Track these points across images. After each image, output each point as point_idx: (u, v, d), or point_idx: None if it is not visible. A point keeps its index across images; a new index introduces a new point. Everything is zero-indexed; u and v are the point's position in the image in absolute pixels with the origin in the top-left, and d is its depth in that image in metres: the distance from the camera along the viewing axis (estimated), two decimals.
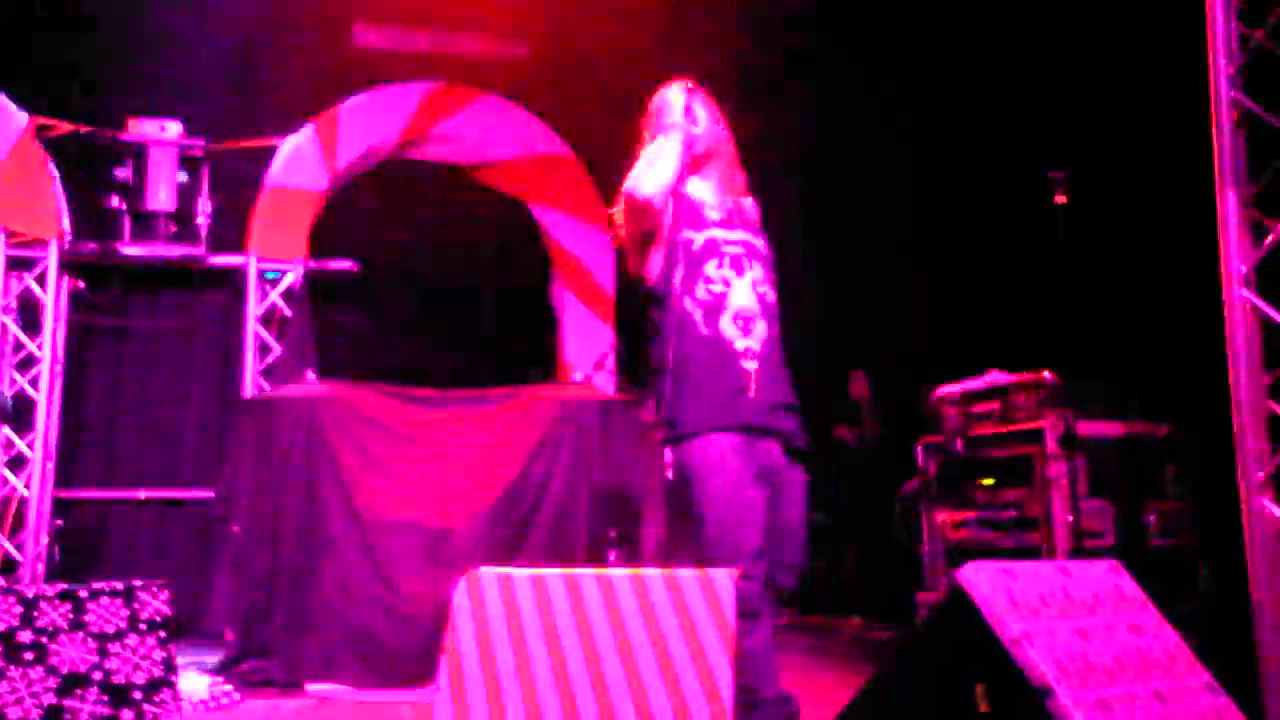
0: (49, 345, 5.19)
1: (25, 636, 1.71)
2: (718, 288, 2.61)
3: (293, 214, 5.43)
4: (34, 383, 5.15)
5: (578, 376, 4.89)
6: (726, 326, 2.59)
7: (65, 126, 5.14)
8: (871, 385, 5.63)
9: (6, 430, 4.99)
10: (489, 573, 2.14)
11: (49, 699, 1.66)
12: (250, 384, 5.34)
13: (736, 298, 2.60)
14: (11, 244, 5.10)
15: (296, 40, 5.41)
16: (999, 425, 4.19)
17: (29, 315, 5.22)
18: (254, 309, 5.40)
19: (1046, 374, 4.01)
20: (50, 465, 5.14)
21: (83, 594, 1.80)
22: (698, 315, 2.59)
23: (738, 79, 4.28)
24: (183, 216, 5.33)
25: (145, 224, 5.29)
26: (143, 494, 5.29)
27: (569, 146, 5.90)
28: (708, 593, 1.90)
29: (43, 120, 5.07)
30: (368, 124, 5.53)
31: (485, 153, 5.83)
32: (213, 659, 3.87)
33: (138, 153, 5.22)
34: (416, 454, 4.23)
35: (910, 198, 5.04)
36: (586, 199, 5.87)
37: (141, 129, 5.20)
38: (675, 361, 2.59)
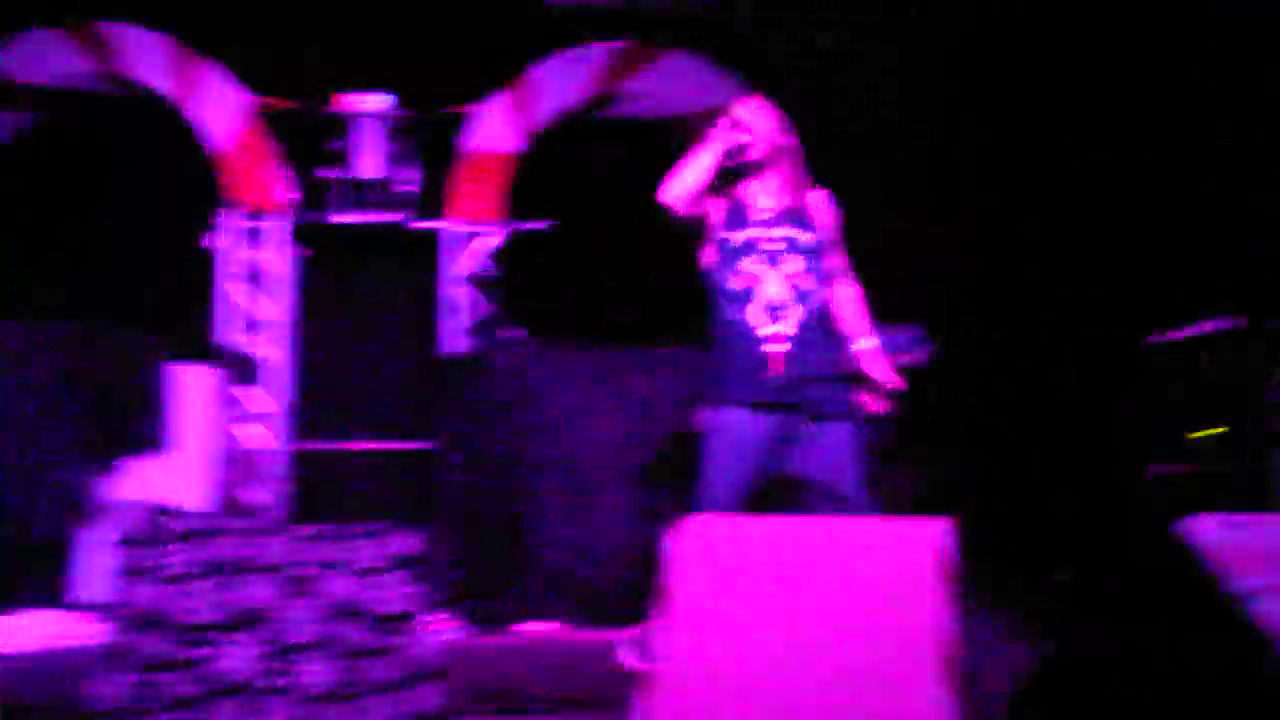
0: (280, 309, 5.62)
1: (296, 571, 1.91)
2: (750, 281, 2.97)
3: (490, 177, 5.66)
4: (270, 344, 5.60)
5: None
6: (753, 314, 2.95)
7: (284, 104, 5.52)
8: None
9: (248, 388, 5.46)
10: (705, 516, 2.23)
11: (321, 627, 1.84)
12: (457, 342, 5.63)
13: (768, 289, 2.95)
14: (247, 216, 5.54)
15: (493, 6, 5.58)
16: None
17: (261, 281, 5.66)
18: (457, 270, 5.67)
19: None
20: (287, 420, 5.60)
21: (341, 533, 1.98)
22: (726, 304, 2.98)
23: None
24: (389, 184, 5.64)
25: (357, 192, 5.63)
26: (367, 445, 5.68)
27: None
28: (926, 540, 1.91)
29: (266, 99, 5.46)
30: (558, 86, 5.67)
31: (675, 108, 5.87)
32: (436, 599, 4.16)
33: (348, 125, 5.55)
34: (620, 406, 4.38)
35: None
36: None
37: (351, 102, 5.51)
38: (711, 342, 3.03)
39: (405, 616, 1.94)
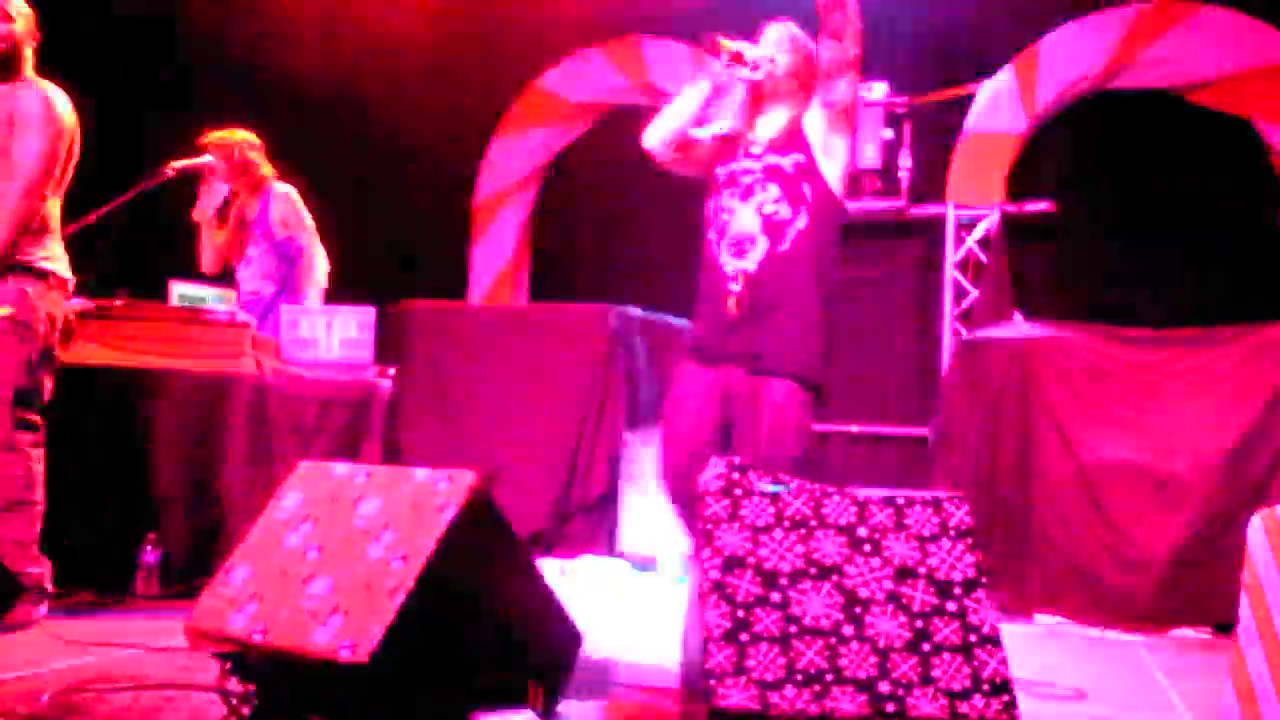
0: None
1: (862, 532, 2.04)
2: (725, 217, 2.71)
3: (990, 159, 5.54)
4: None
5: None
6: (723, 253, 2.70)
7: None
8: None
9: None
10: None
11: (888, 585, 1.96)
12: (948, 328, 5.60)
13: (736, 223, 2.68)
14: None
15: None
16: None
17: None
18: (952, 255, 5.63)
19: None
20: None
21: (900, 500, 2.08)
22: (713, 244, 2.73)
23: None
24: (886, 171, 5.73)
25: (854, 182, 5.78)
26: (855, 427, 5.84)
27: None
28: None
29: None
30: (1068, 58, 5.40)
31: (1199, 71, 5.34)
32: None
33: None
34: (1132, 396, 4.10)
35: None
36: None
37: None
38: (698, 292, 2.77)
39: (967, 584, 2.00)
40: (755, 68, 2.72)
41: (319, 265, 4.42)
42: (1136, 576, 3.77)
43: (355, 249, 4.60)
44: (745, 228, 2.66)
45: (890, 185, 5.70)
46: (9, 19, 3.09)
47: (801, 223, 2.65)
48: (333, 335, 4.00)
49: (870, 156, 5.67)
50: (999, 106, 5.50)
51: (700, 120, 2.86)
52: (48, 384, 3.12)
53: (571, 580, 4.11)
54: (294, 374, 3.86)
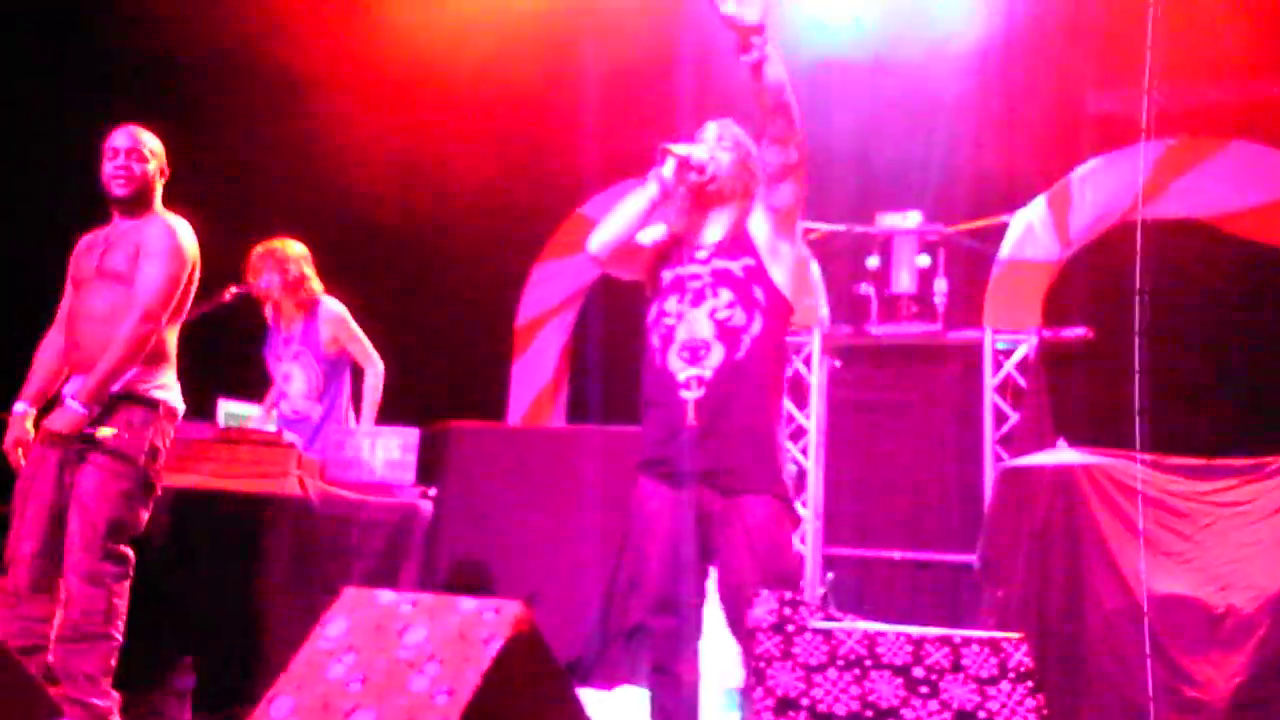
0: (815, 418, 5.94)
1: (919, 673, 1.99)
2: (670, 321, 2.65)
3: (1026, 286, 5.58)
4: (804, 452, 5.93)
5: None
6: (672, 359, 2.61)
7: (825, 227, 5.92)
8: None
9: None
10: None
11: None
12: (989, 452, 5.55)
13: (684, 330, 2.61)
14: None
15: (1029, 117, 5.59)
16: None
17: (798, 393, 6.03)
18: (990, 380, 5.62)
19: None
20: (819, 524, 5.85)
21: (956, 640, 2.04)
22: (656, 351, 2.66)
23: None
24: (922, 297, 5.77)
25: (890, 306, 5.84)
26: (896, 554, 5.74)
27: None
28: None
29: (809, 224, 5.90)
30: (1099, 190, 5.48)
31: (1231, 202, 5.41)
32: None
33: (884, 243, 5.81)
34: (1184, 526, 4.03)
35: None
36: None
37: (887, 221, 5.78)
38: (643, 398, 2.69)
39: None
40: (701, 170, 2.70)
41: (379, 375, 4.41)
42: (1196, 716, 3.63)
43: (399, 370, 4.66)
44: (698, 334, 2.60)
45: (927, 311, 5.74)
46: (144, 159, 3.20)
47: (756, 328, 2.60)
48: (375, 456, 4.02)
49: (906, 283, 5.74)
50: (1033, 235, 5.57)
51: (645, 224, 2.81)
52: (144, 516, 3.11)
53: (609, 712, 4.01)
54: (337, 495, 3.87)
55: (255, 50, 5.61)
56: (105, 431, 2.99)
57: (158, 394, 3.10)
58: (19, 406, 3.17)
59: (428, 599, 2.37)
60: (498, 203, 6.25)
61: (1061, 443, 4.78)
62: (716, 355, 2.57)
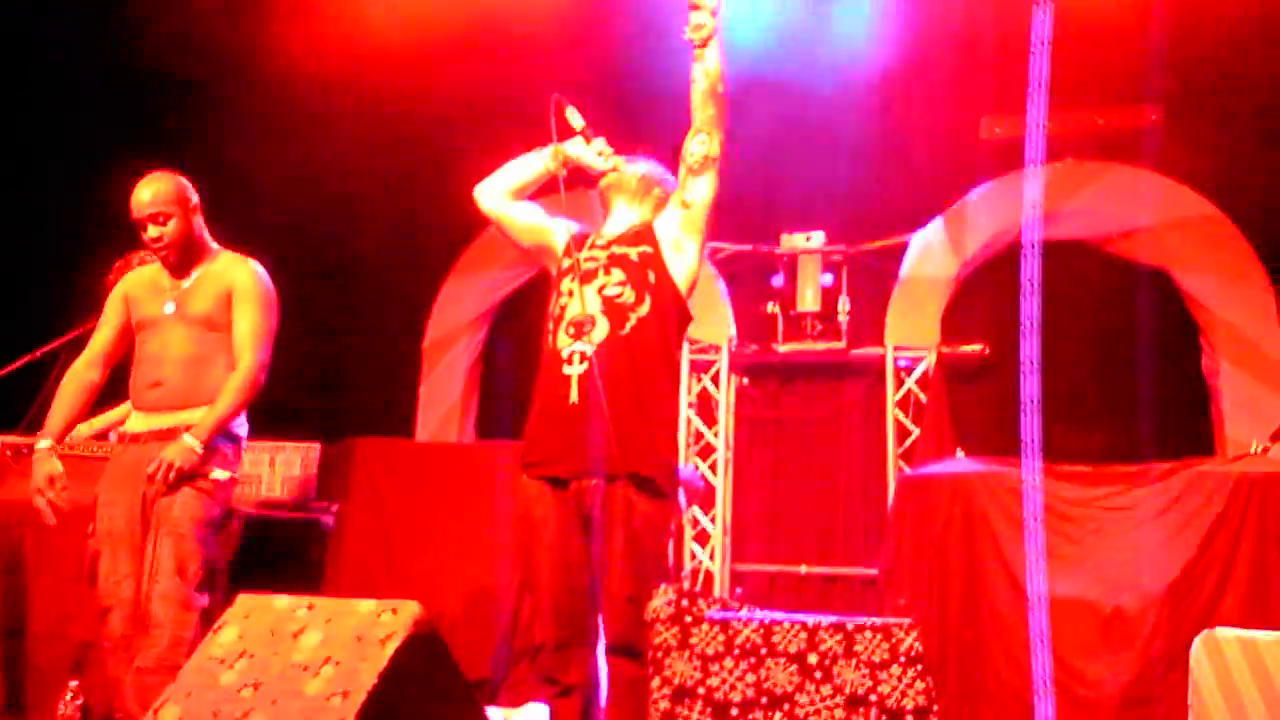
0: (723, 435, 6.01)
1: (813, 659, 2.03)
2: (564, 301, 2.64)
3: (925, 303, 5.74)
4: (712, 468, 5.98)
5: (1255, 448, 4.47)
6: (560, 336, 2.59)
7: (731, 247, 6.02)
8: None
9: (696, 510, 5.84)
10: (1227, 634, 2.07)
11: (839, 714, 1.94)
12: (892, 466, 5.67)
13: (574, 306, 2.58)
14: (693, 350, 6.05)
15: (926, 141, 5.78)
16: None
17: (706, 411, 6.09)
18: (893, 395, 5.76)
19: None
20: (727, 540, 5.90)
21: (849, 626, 2.08)
22: (549, 334, 2.64)
23: None
24: (827, 315, 5.89)
25: (795, 324, 5.95)
26: (804, 568, 5.82)
27: (1215, 206, 5.50)
28: None
29: (716, 243, 5.98)
30: (994, 211, 5.68)
31: (1116, 225, 5.66)
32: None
33: (789, 262, 5.93)
34: (1074, 530, 4.18)
35: None
36: (1240, 260, 5.40)
37: (792, 242, 5.90)
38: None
39: (919, 712, 1.99)
40: (602, 154, 2.76)
41: None
42: (1088, 713, 3.75)
43: (301, 385, 4.58)
44: (585, 310, 2.56)
45: (831, 328, 5.86)
46: (169, 217, 3.12)
47: (644, 309, 2.57)
48: (276, 472, 3.94)
49: (810, 300, 5.85)
50: (932, 254, 5.75)
51: (530, 186, 2.83)
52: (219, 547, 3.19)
53: None
54: (237, 510, 3.78)
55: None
56: (220, 474, 3.03)
57: (238, 430, 3.15)
58: (44, 443, 3.07)
59: (324, 602, 2.33)
60: (408, 218, 6.22)
61: (959, 453, 4.93)
62: (601, 330, 2.54)
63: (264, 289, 3.19)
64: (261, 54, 5.91)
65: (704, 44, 2.65)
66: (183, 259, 3.16)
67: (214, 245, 3.25)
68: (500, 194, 2.79)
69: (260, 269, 3.25)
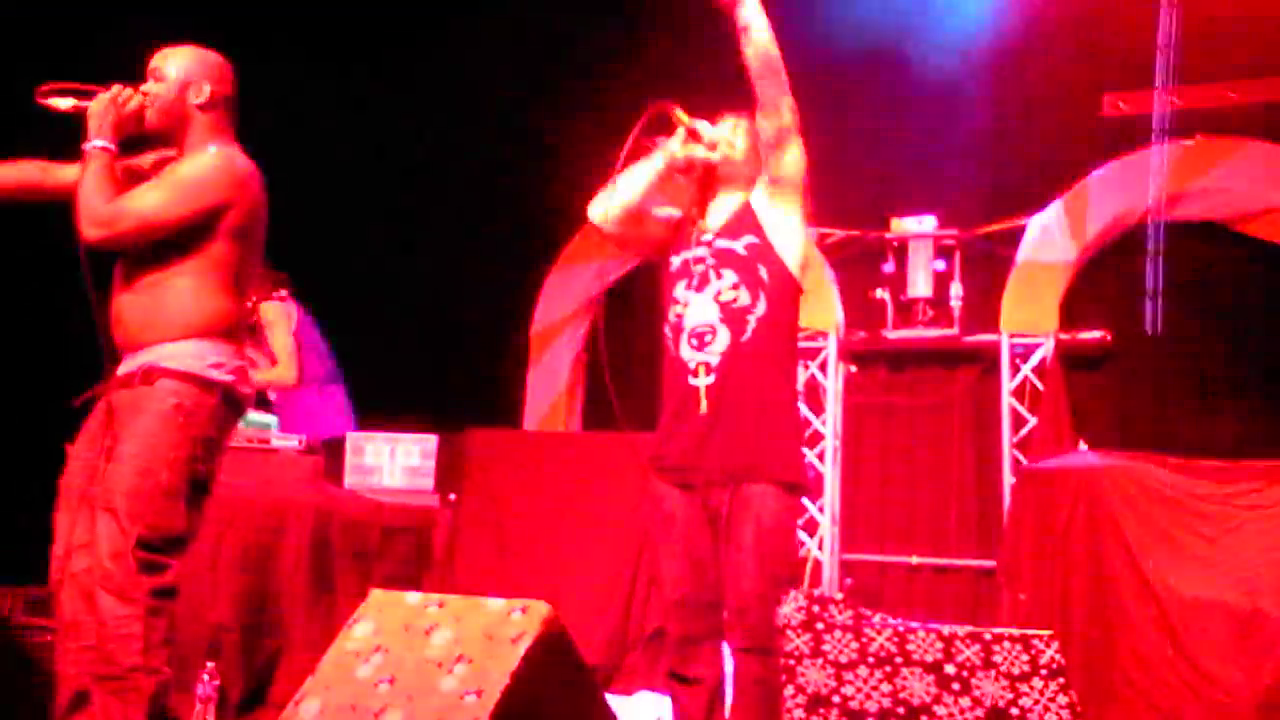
0: (831, 423, 5.92)
1: (950, 670, 1.98)
2: (680, 309, 2.63)
3: (1043, 289, 5.56)
4: (820, 457, 5.91)
5: None
6: (684, 347, 2.60)
7: (840, 233, 5.91)
8: None
9: (804, 499, 5.78)
10: None
11: None
12: (1007, 456, 5.52)
13: (692, 316, 2.59)
14: (800, 338, 5.96)
15: (1044, 120, 5.58)
16: None
17: (814, 399, 6.01)
18: (1008, 383, 5.60)
19: None
20: (836, 530, 5.83)
21: (987, 636, 2.02)
22: (670, 341, 2.64)
23: None
24: (938, 301, 5.76)
25: (906, 311, 5.83)
26: (914, 558, 5.71)
27: None
28: None
29: (823, 229, 5.89)
30: (1116, 192, 5.47)
31: (1250, 204, 5.39)
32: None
33: (899, 247, 5.80)
34: (1208, 529, 4.00)
35: None
36: None
37: (903, 226, 5.77)
38: (662, 390, 2.67)
39: None
40: (713, 147, 2.68)
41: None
42: (1222, 718, 3.60)
43: (417, 378, 4.67)
44: (704, 319, 2.58)
45: (943, 314, 5.72)
46: (160, 79, 2.56)
47: (761, 309, 2.56)
48: (395, 462, 4.03)
49: (922, 286, 5.72)
50: (1050, 238, 5.55)
51: (652, 199, 2.78)
52: (188, 519, 2.56)
53: (630, 718, 3.99)
54: (357, 500, 3.88)
55: None
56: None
57: (215, 374, 2.46)
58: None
59: (455, 600, 2.37)
60: (513, 209, 6.27)
61: (1082, 446, 4.77)
62: (722, 340, 2.55)
63: (199, 169, 2.47)
64: None
65: (733, 9, 2.50)
66: (158, 139, 2.56)
67: (210, 147, 2.53)
68: (621, 222, 2.71)
69: (221, 154, 2.51)
